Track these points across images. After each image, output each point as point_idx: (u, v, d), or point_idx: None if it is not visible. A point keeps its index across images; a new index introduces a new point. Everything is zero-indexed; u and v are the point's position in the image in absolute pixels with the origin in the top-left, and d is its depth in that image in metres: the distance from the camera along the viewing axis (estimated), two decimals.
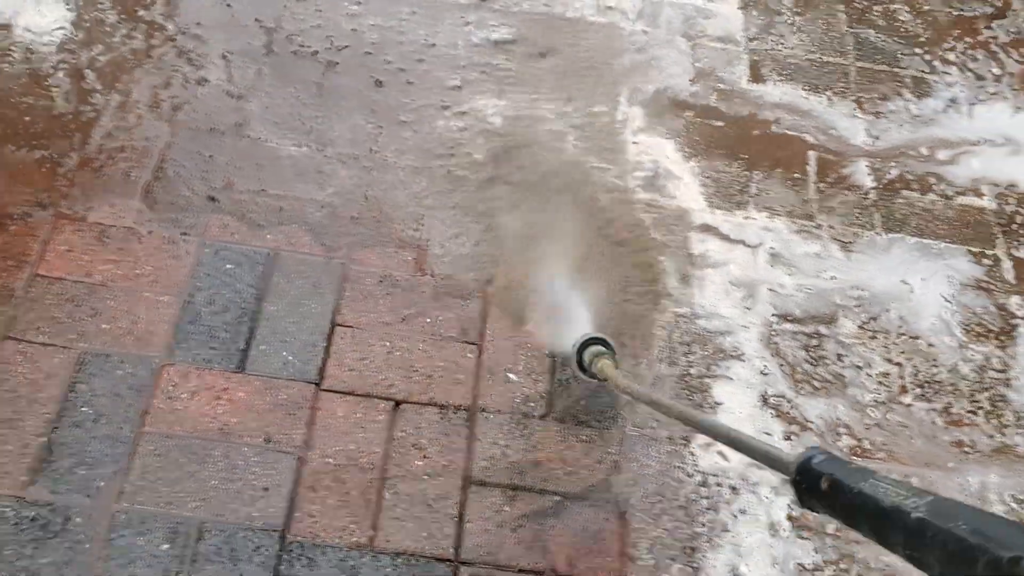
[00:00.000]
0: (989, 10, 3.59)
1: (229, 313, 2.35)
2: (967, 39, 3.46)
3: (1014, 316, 2.71)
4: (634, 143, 2.90)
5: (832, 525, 2.26)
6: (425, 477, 2.19)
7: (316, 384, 2.28)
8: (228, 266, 2.43)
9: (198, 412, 2.19)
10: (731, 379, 2.48)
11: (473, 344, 2.41)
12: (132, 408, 2.17)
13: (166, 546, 1.99)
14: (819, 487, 1.21)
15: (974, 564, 0.89)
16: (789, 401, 2.45)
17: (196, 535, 2.01)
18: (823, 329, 2.60)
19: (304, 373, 2.29)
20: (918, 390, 2.52)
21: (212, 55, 2.83)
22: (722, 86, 3.12)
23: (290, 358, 2.31)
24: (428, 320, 2.43)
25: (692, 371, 2.47)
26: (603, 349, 2.20)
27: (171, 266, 2.40)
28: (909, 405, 2.49)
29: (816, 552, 2.22)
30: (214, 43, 2.87)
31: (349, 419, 2.24)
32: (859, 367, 2.54)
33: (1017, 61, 3.40)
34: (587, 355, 2.20)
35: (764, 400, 2.44)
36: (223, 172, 2.60)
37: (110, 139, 2.60)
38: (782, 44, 3.29)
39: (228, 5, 2.97)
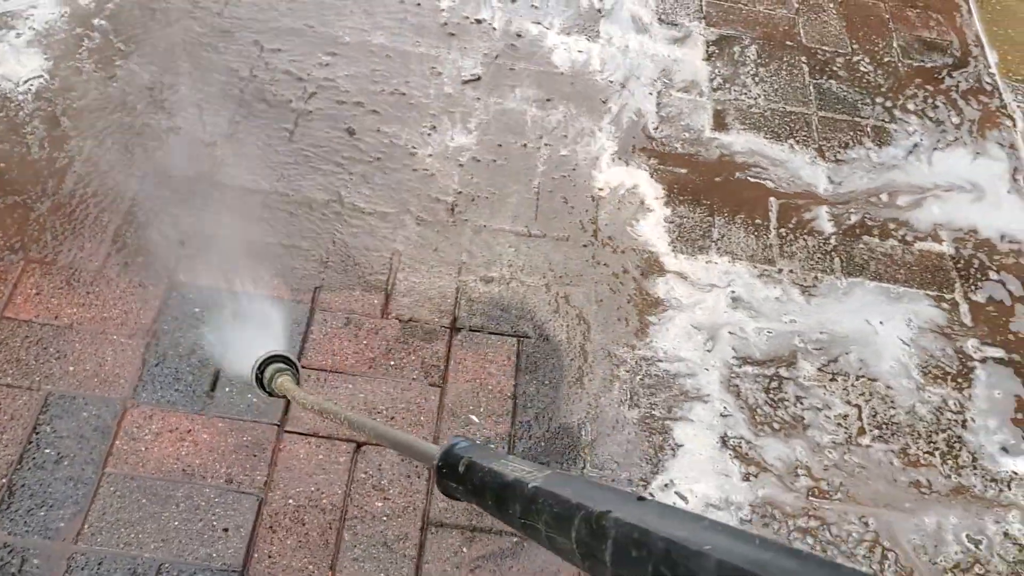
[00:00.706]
0: (949, 60, 3.69)
1: (195, 356, 2.38)
2: (927, 87, 3.55)
3: (971, 359, 2.76)
4: (599, 189, 2.95)
5: None
6: (384, 518, 2.21)
7: (279, 426, 2.31)
8: (195, 309, 2.47)
9: (161, 453, 2.21)
10: (692, 421, 2.51)
11: (436, 387, 2.45)
12: (96, 450, 2.19)
13: None
14: (457, 470, 1.26)
15: (572, 521, 0.98)
16: (749, 443, 2.48)
17: None
18: (783, 372, 2.64)
19: (268, 415, 2.32)
20: (876, 431, 2.56)
21: (185, 103, 2.90)
22: (687, 134, 3.19)
23: (254, 400, 2.34)
24: (392, 363, 2.47)
25: (655, 413, 2.51)
26: (284, 367, 2.14)
27: (138, 309, 2.44)
28: (867, 446, 2.52)
29: None
30: (187, 92, 2.93)
31: (311, 460, 2.27)
32: (818, 409, 2.58)
33: (976, 109, 3.49)
34: (268, 372, 2.12)
35: (724, 442, 2.47)
36: (193, 217, 2.64)
37: (82, 185, 2.65)
38: (746, 94, 3.37)
39: (203, 54, 3.04)
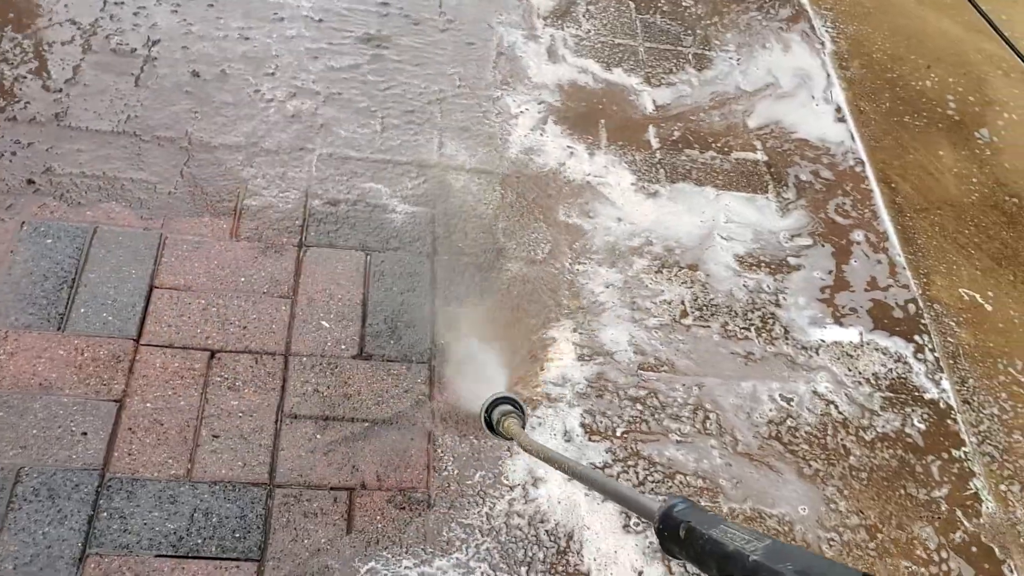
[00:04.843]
0: None
1: (48, 282, 2.47)
2: (743, 17, 3.85)
3: (782, 248, 3.04)
4: (439, 116, 3.14)
5: (620, 429, 2.51)
6: (240, 414, 2.34)
7: (135, 340, 2.42)
8: (48, 241, 2.55)
9: (16, 371, 2.30)
10: None
11: (287, 298, 2.59)
12: None
13: None
14: (678, 534, 1.31)
15: None
16: (586, 329, 2.70)
17: (13, 479, 2.12)
18: (615, 266, 2.87)
19: (123, 331, 2.43)
20: (697, 313, 2.81)
21: (28, 55, 2.96)
22: (522, 66, 3.41)
23: (110, 318, 2.44)
24: (243, 279, 2.60)
25: None
26: (511, 409, 2.24)
27: None
28: (689, 326, 2.77)
29: (607, 452, 2.46)
30: (30, 44, 2.99)
31: (167, 369, 2.39)
32: (646, 296, 2.81)
33: (788, 34, 3.81)
34: (496, 414, 2.24)
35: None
36: (42, 158, 2.72)
37: None
38: (577, 29, 3.61)
39: (39, 4, 3.10)
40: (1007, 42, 3.58)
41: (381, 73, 3.23)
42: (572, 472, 1.85)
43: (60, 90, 2.90)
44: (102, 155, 2.77)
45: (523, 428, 2.21)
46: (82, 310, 2.45)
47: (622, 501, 1.60)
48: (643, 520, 1.41)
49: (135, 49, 3.08)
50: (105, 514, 2.13)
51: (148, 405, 2.31)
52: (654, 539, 2.29)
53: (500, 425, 2.21)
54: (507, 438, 2.22)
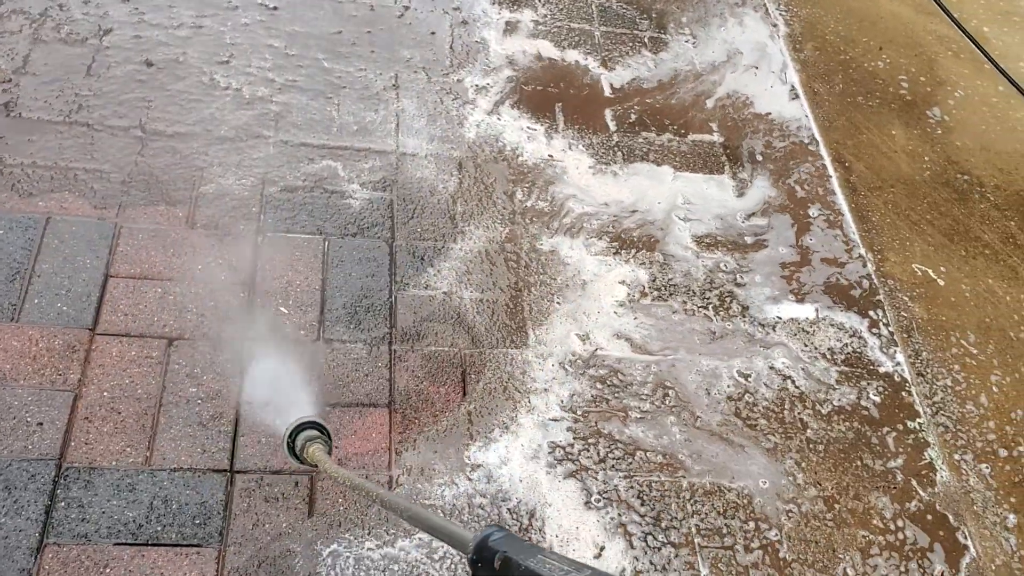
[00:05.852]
0: None
1: (1, 273, 2.44)
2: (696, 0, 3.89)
3: (739, 227, 3.08)
4: (396, 102, 3.14)
5: (580, 410, 2.53)
6: (200, 402, 2.33)
7: (91, 329, 2.40)
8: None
9: None
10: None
11: (244, 285, 2.58)
12: None
13: None
14: (493, 565, 1.26)
15: None
16: (545, 308, 2.72)
17: None
18: (574, 247, 2.89)
19: (79, 320, 2.40)
20: (655, 292, 2.84)
21: None
22: (479, 50, 3.41)
23: (64, 308, 2.42)
24: (200, 267, 2.58)
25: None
26: (317, 434, 2.12)
27: None
28: (648, 305, 2.80)
29: (568, 431, 2.48)
30: None
31: (124, 357, 2.37)
32: (605, 277, 2.83)
33: (742, 17, 3.84)
34: (300, 440, 2.11)
35: None
36: None
37: None
38: (534, 13, 3.62)
39: None
40: (956, 23, 3.63)
41: (337, 59, 3.22)
42: (382, 501, 1.71)
43: (9, 80, 2.86)
44: (54, 145, 2.74)
45: (329, 454, 2.09)
46: (36, 301, 2.42)
47: (434, 531, 1.53)
48: (459, 552, 1.35)
49: (86, 38, 3.04)
50: (63, 504, 2.11)
51: (105, 394, 2.30)
52: (613, 515, 2.32)
53: (304, 452, 2.08)
54: (311, 465, 2.09)
